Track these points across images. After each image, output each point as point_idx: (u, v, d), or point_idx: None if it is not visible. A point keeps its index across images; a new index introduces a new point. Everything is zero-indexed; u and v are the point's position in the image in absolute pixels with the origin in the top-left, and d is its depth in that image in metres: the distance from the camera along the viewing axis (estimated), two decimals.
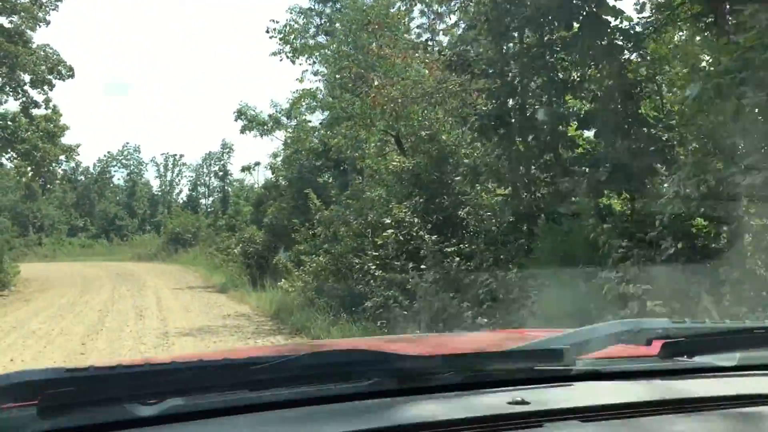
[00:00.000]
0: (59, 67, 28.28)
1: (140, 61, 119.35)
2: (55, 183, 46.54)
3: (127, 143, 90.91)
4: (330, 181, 22.77)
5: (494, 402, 1.43)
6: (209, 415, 1.35)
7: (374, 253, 12.59)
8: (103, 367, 1.31)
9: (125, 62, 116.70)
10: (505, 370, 1.61)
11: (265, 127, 24.46)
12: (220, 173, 78.74)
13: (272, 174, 29.39)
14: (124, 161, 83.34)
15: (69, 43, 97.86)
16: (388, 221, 12.67)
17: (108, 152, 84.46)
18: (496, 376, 1.59)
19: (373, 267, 12.14)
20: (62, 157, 33.47)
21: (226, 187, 75.19)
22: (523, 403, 1.41)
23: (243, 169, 32.84)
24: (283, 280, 16.85)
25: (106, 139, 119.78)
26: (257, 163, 31.35)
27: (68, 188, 70.19)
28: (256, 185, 46.11)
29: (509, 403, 1.41)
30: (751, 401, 1.51)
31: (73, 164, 70.40)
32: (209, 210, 62.06)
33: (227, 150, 78.68)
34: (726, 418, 1.42)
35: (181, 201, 77.91)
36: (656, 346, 1.75)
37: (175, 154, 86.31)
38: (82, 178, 76.27)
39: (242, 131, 24.86)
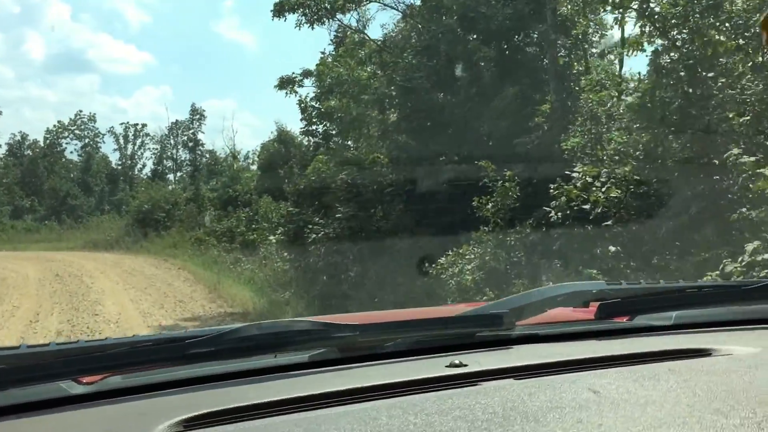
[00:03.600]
0: None
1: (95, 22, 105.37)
2: None
3: (80, 111, 79.41)
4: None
5: (433, 366, 1.46)
6: (144, 390, 1.38)
7: None
8: (36, 345, 1.38)
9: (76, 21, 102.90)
10: (447, 336, 1.67)
11: None
12: (190, 144, 70.83)
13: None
14: (77, 132, 75.88)
15: None
16: None
17: (58, 122, 76.23)
18: (438, 342, 1.65)
19: None
20: None
21: (197, 160, 68.48)
22: (461, 365, 1.44)
23: (280, 85, 21.55)
24: None
25: (57, 108, 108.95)
26: (305, 74, 20.58)
27: (11, 163, 65.92)
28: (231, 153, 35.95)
29: (447, 366, 1.44)
30: (684, 355, 1.53)
31: (18, 136, 67.75)
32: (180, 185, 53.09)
33: (197, 117, 70.68)
34: (659, 371, 1.40)
35: (144, 177, 70.45)
36: (593, 309, 1.84)
37: (137, 124, 78.76)
38: (30, 153, 69.50)
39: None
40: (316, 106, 20.73)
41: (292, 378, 1.46)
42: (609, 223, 7.92)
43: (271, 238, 16.63)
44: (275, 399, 1.26)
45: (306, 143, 22.83)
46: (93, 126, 76.50)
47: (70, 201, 63.19)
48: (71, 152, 73.85)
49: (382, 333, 1.62)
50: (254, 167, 33.21)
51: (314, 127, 21.33)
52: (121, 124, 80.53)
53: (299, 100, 21.17)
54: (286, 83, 21.31)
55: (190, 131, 70.89)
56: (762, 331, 1.80)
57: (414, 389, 1.31)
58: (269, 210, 21.22)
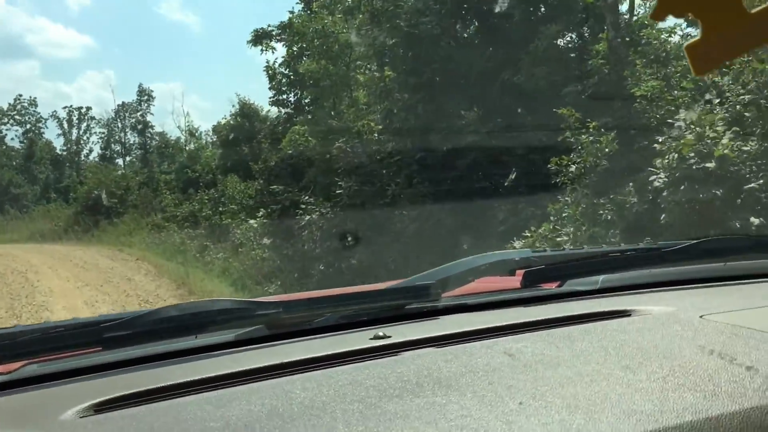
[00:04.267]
0: None
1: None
2: None
3: (20, 96, 75.84)
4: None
5: (358, 339, 1.46)
6: (61, 377, 1.35)
7: None
8: None
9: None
10: (374, 309, 1.67)
11: None
12: (139, 126, 68.29)
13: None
14: (17, 117, 72.76)
15: None
16: None
17: None
18: (366, 315, 1.65)
19: None
20: None
21: (147, 143, 66.32)
22: (384, 337, 1.45)
23: (255, 40, 19.25)
24: None
25: None
26: (283, 27, 17.98)
27: None
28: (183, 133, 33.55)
29: (371, 338, 1.45)
30: (605, 317, 1.55)
31: None
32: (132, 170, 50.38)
33: (145, 98, 68.36)
34: (575, 333, 1.42)
35: (92, 162, 66.24)
36: (519, 276, 1.84)
37: (81, 107, 74.80)
38: None
39: None
40: (286, 72, 18.53)
41: (214, 358, 1.43)
42: (753, 185, 5.96)
43: (251, 221, 14.52)
44: (191, 379, 1.24)
45: (276, 115, 20.60)
46: (34, 111, 73.25)
47: (12, 190, 60.24)
48: (12, 139, 71.49)
49: (307, 309, 1.61)
50: (212, 146, 30.81)
51: (285, 96, 19.11)
52: (64, 108, 76.53)
53: (267, 66, 18.91)
54: (261, 38, 18.93)
55: (138, 113, 68.34)
56: (680, 291, 1.83)
57: (335, 362, 1.31)
58: (236, 190, 19.05)
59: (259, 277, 12.25)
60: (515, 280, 1.86)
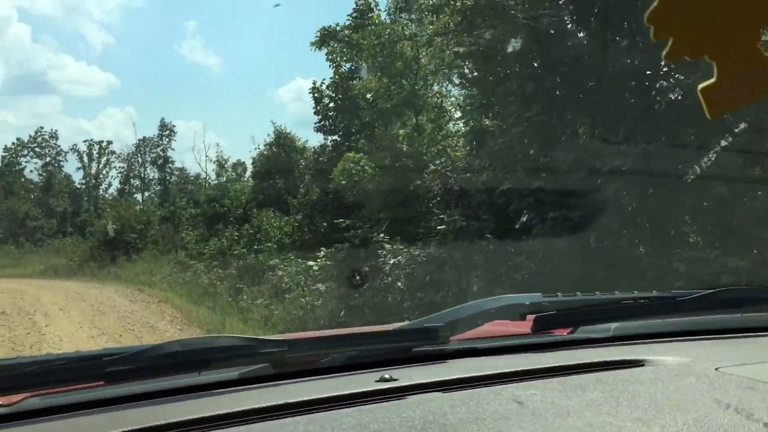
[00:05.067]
0: None
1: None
2: None
3: (41, 128, 74.76)
4: None
5: (364, 381, 1.43)
6: (62, 411, 1.32)
7: None
8: None
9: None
10: (382, 351, 1.63)
11: None
12: (159, 161, 67.63)
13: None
14: (37, 150, 72.05)
15: None
16: None
17: (17, 139, 72.37)
18: (371, 357, 1.60)
19: None
20: None
21: (167, 178, 66.15)
22: (390, 380, 1.42)
23: (321, 42, 17.18)
24: None
25: (18, 131, 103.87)
26: (356, 26, 15.90)
27: None
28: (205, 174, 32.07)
29: (377, 381, 1.41)
30: (617, 366, 1.51)
31: None
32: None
33: (167, 133, 67.31)
34: (586, 382, 1.38)
35: (110, 197, 65.56)
36: (530, 321, 1.79)
37: (102, 141, 74.41)
38: None
39: None
40: (334, 95, 16.60)
41: (218, 396, 1.40)
42: None
43: (311, 263, 12.24)
44: (193, 417, 1.21)
45: (320, 144, 18.54)
46: (55, 144, 72.57)
47: (29, 223, 58.81)
48: (31, 171, 70.92)
49: (313, 348, 1.57)
50: (241, 179, 28.66)
51: (329, 123, 17.13)
52: (85, 141, 76.02)
53: (312, 88, 16.98)
54: (327, 37, 16.84)
55: (159, 148, 67.81)
56: (694, 342, 1.79)
57: (340, 404, 1.28)
58: (273, 226, 16.97)
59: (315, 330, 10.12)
60: (525, 325, 1.81)
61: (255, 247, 16.25)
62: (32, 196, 66.48)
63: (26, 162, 70.39)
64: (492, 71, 8.36)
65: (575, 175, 6.97)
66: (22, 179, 69.37)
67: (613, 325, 1.78)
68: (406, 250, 8.67)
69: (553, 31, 7.44)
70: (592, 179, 6.94)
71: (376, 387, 1.35)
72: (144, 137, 68.86)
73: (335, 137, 17.19)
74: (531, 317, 1.79)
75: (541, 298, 1.92)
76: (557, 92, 7.84)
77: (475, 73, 9.38)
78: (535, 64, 7.92)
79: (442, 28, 10.93)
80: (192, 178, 64.56)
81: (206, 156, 30.30)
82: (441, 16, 11.07)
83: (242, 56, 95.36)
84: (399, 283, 8.59)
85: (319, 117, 17.13)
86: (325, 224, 11.84)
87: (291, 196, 17.02)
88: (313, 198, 15.14)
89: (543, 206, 7.22)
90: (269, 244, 16.01)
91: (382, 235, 9.55)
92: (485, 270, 7.59)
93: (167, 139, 67.19)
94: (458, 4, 9.24)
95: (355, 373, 1.51)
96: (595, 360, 1.53)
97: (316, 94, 16.92)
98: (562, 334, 1.79)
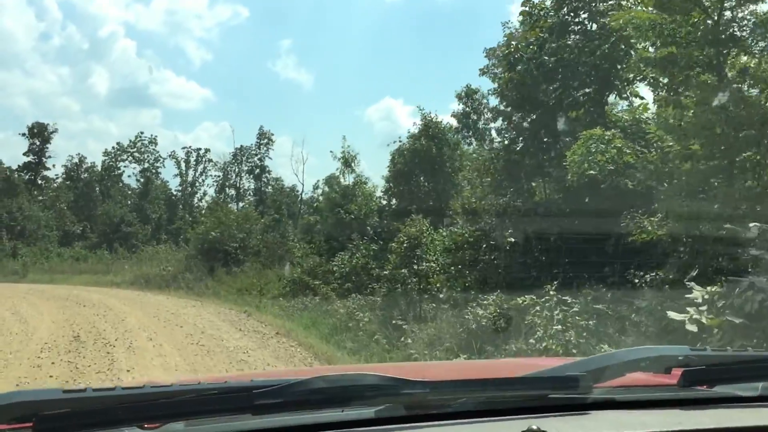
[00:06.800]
0: None
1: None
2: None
3: (141, 133, 73.89)
4: None
5: (507, 429, 1.39)
6: None
7: None
8: (102, 389, 1.30)
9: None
10: (520, 398, 1.58)
11: None
12: (255, 171, 66.00)
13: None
14: (136, 155, 71.10)
15: None
16: None
17: (117, 143, 71.75)
18: (510, 403, 1.56)
19: None
20: None
21: (262, 188, 64.31)
22: (539, 431, 1.36)
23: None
24: None
25: (117, 134, 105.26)
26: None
27: (65, 186, 62.55)
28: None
29: (524, 431, 1.35)
30: None
31: (75, 159, 63.57)
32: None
33: (265, 141, 65.62)
34: None
35: (205, 205, 64.16)
36: (676, 375, 1.71)
37: (200, 148, 73.26)
38: (86, 176, 65.71)
39: None
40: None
41: None
42: None
43: (568, 298, 7.67)
44: None
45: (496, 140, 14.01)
46: (153, 149, 71.95)
47: (124, 228, 57.72)
48: (129, 176, 70.57)
49: (453, 392, 1.54)
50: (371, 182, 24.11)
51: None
52: (183, 148, 74.48)
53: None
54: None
55: (256, 157, 66.34)
56: None
57: None
58: (433, 238, 12.60)
59: None
60: (668, 378, 1.72)
61: (415, 267, 11.83)
62: (129, 202, 65.03)
63: (125, 167, 70.32)
64: None
65: None
66: (120, 184, 67.88)
67: (761, 384, 1.64)
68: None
69: None
70: None
71: None
72: (242, 146, 67.58)
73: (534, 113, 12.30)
74: (677, 371, 1.66)
75: (688, 350, 1.74)
76: None
77: None
78: None
79: None
80: (288, 190, 61.98)
81: (342, 145, 26.11)
82: None
83: (333, 74, 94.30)
84: None
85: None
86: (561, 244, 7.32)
87: (454, 200, 12.57)
88: (519, 203, 10.63)
89: None
90: (431, 264, 11.64)
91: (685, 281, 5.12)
92: None
93: (265, 148, 65.77)
94: None
95: (492, 420, 1.45)
96: (742, 425, 1.45)
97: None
98: (709, 390, 1.67)
